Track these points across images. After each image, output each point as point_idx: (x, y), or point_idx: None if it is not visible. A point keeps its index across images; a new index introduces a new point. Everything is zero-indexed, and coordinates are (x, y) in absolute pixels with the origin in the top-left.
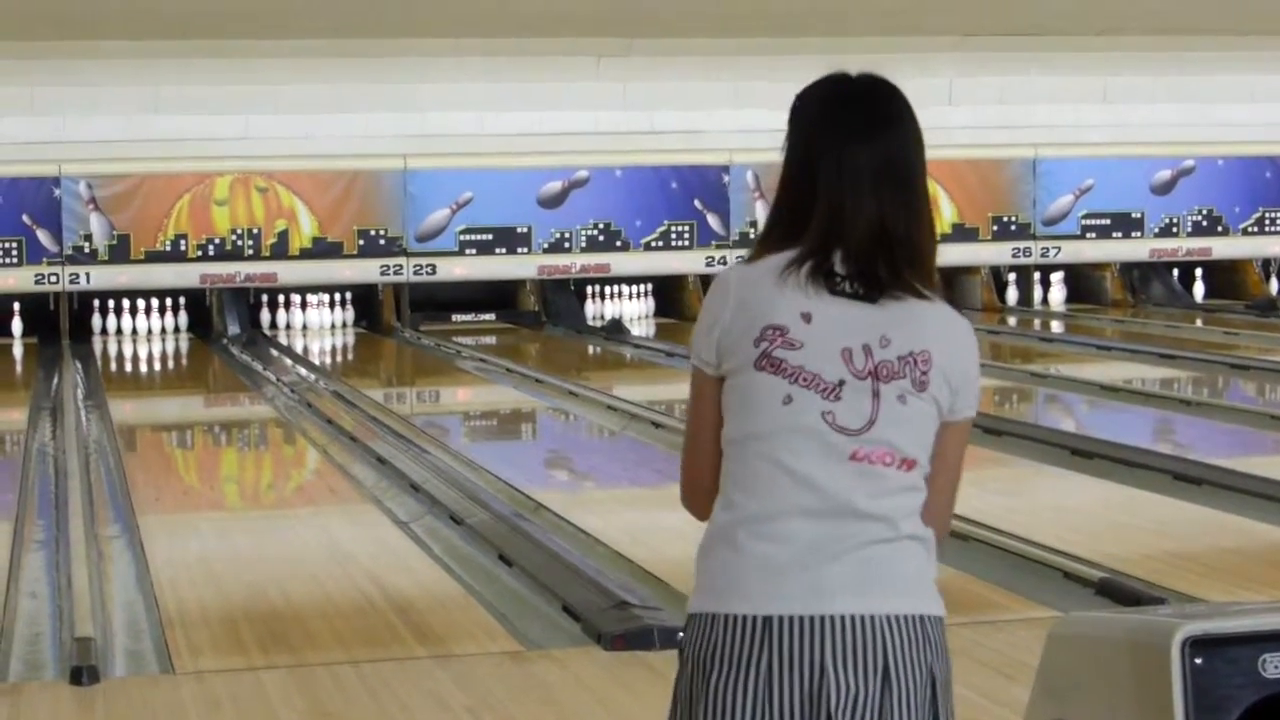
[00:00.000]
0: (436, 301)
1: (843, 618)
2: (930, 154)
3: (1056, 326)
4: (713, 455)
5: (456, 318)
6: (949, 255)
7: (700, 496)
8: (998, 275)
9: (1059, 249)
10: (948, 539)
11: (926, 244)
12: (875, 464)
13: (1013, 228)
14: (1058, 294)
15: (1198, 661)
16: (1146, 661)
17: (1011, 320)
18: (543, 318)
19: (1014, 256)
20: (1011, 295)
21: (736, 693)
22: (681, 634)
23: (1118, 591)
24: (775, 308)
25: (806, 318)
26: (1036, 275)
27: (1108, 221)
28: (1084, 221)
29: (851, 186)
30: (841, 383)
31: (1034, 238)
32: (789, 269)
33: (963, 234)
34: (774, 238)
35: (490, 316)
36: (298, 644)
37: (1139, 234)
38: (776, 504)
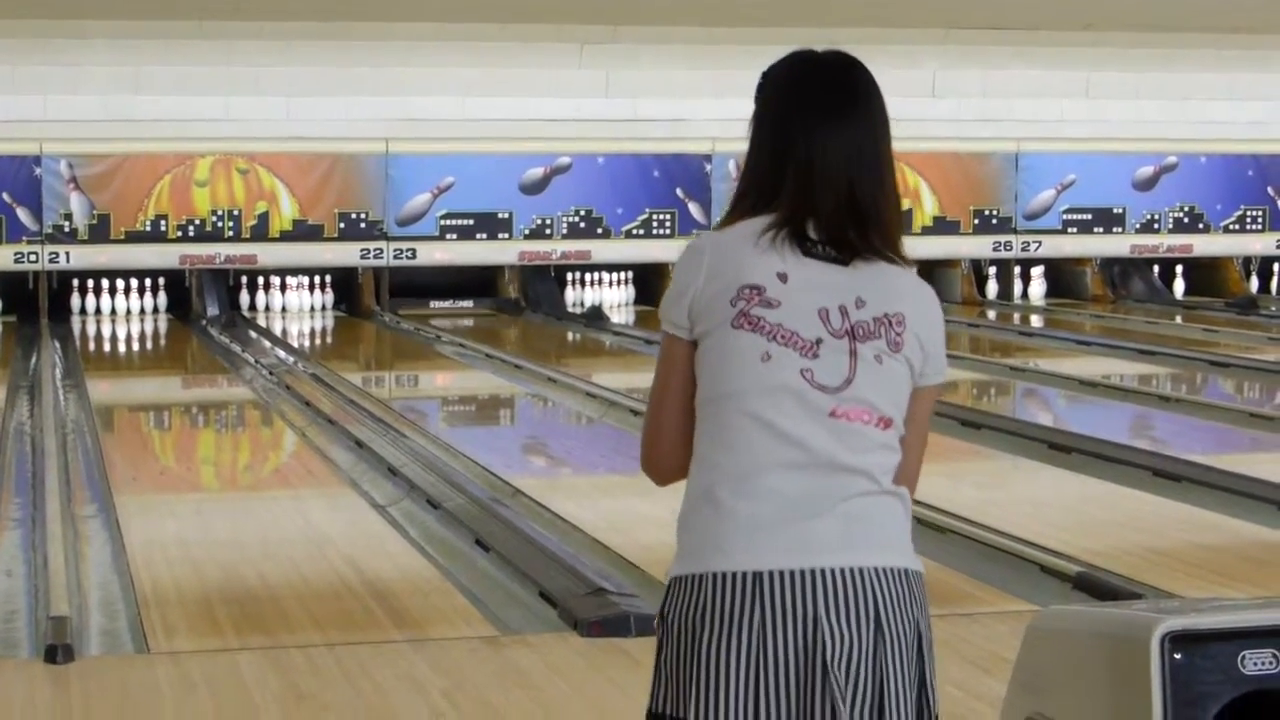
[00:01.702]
0: (416, 286)
1: (832, 570)
2: (913, 146)
3: (1036, 321)
4: (678, 418)
5: (434, 304)
6: (929, 248)
7: (663, 459)
8: (978, 269)
9: (1040, 243)
10: (925, 531)
11: (893, 214)
12: (854, 421)
13: (994, 221)
14: (1038, 288)
15: (1177, 657)
16: (1126, 656)
17: (991, 314)
18: (521, 304)
19: (995, 250)
20: (992, 289)
21: (730, 651)
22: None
23: (1095, 586)
24: (752, 268)
25: (783, 278)
26: (1017, 269)
27: (1089, 217)
28: (1065, 216)
29: (821, 161)
30: (819, 341)
31: (1015, 232)
32: (764, 233)
33: (944, 227)
34: (745, 207)
35: (468, 304)
36: (273, 626)
37: (1120, 230)
38: (757, 460)
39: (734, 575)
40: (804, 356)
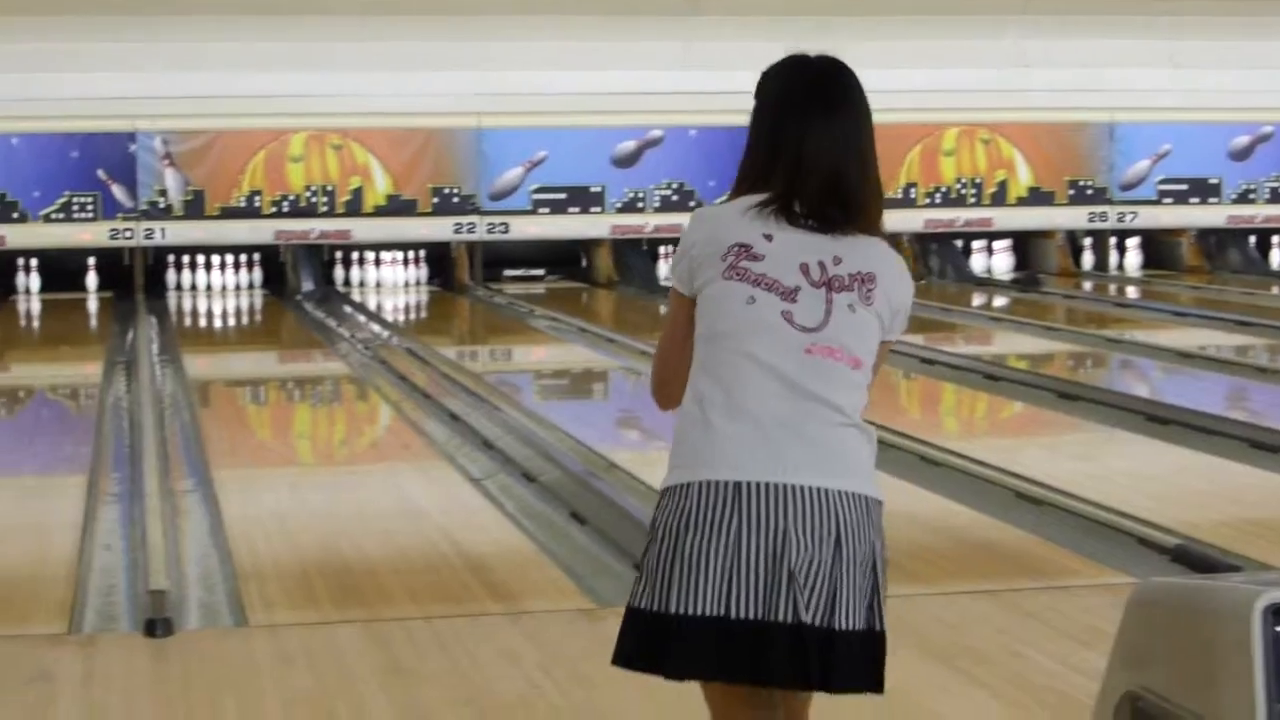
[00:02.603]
0: (511, 259)
1: (803, 488)
2: (1007, 117)
3: (1132, 292)
4: (681, 357)
5: (507, 272)
6: (1025, 219)
7: (669, 389)
8: (1074, 240)
9: (1135, 214)
10: (1022, 503)
11: (872, 199)
12: (827, 358)
13: (1089, 192)
14: (1133, 259)
15: (1279, 629)
16: (1227, 629)
17: (1087, 285)
18: (594, 276)
19: (1090, 221)
20: (1087, 260)
21: (709, 550)
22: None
23: (1193, 558)
24: (742, 230)
25: (769, 238)
26: (1112, 240)
27: (1185, 187)
28: (1161, 187)
29: (810, 152)
30: (798, 288)
31: (1110, 203)
32: (755, 206)
33: (1039, 198)
34: (744, 189)
35: (540, 272)
36: (370, 598)
37: (1216, 200)
38: (745, 388)
39: (717, 484)
40: (784, 300)
